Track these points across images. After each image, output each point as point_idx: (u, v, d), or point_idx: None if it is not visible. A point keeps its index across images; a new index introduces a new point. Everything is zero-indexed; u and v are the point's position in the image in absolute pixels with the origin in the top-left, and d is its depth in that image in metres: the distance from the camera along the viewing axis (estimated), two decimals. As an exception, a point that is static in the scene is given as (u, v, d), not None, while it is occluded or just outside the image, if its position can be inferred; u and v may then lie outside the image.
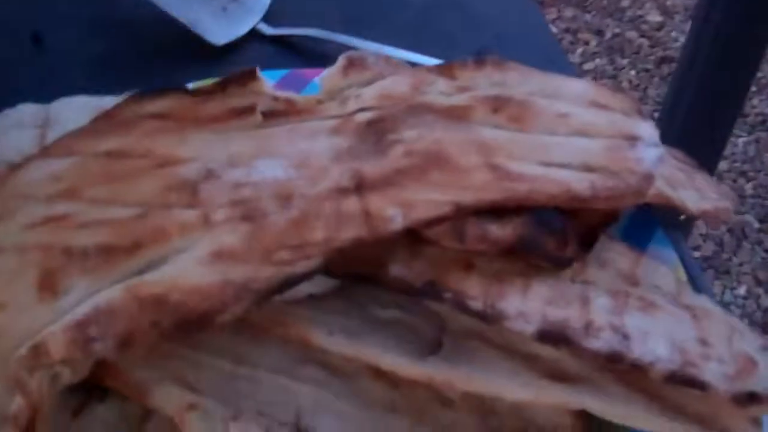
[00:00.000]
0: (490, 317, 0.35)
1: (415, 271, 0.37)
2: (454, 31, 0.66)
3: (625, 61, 2.20)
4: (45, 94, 0.56)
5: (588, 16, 2.34)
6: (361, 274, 0.37)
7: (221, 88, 0.40)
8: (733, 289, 1.65)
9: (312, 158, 0.38)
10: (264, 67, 0.59)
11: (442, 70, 0.43)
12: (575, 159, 0.40)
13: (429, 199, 0.37)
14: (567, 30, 2.27)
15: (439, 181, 0.37)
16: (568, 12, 2.34)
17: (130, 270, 0.34)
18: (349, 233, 0.35)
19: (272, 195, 0.36)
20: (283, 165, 0.37)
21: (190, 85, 0.51)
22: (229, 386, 0.35)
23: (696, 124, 1.05)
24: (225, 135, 0.38)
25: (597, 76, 2.13)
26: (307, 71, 0.54)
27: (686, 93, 1.03)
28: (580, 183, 0.39)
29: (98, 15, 0.63)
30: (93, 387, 0.35)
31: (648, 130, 0.42)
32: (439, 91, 0.42)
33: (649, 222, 0.46)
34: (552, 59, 0.65)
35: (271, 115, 0.39)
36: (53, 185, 0.36)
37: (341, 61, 0.43)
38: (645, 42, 2.25)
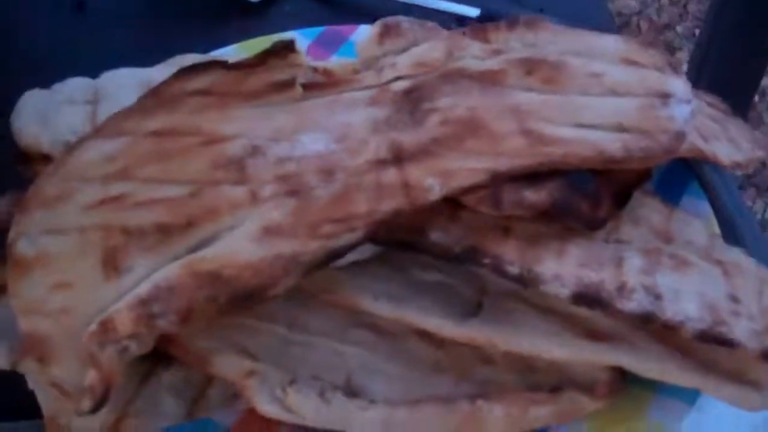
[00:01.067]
0: (527, 281, 0.37)
1: (453, 236, 0.38)
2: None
3: (664, -25, 2.15)
4: (88, 58, 0.58)
5: (626, -71, 2.28)
6: (402, 240, 0.39)
7: (261, 61, 0.41)
8: (776, 206, 1.65)
9: (351, 130, 0.39)
10: (301, 22, 0.60)
11: (475, 33, 0.43)
12: (608, 119, 0.41)
13: (465, 168, 0.38)
14: (604, -56, 2.22)
15: (475, 149, 0.39)
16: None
17: (186, 247, 0.36)
18: (390, 204, 0.37)
19: (315, 169, 0.38)
20: (324, 138, 0.39)
21: (234, 48, 0.53)
22: (283, 352, 0.38)
23: (738, 41, 1.02)
24: (267, 109, 0.40)
25: (637, -9, 2.09)
26: (344, 28, 0.55)
27: (728, 8, 0.99)
28: (612, 144, 0.40)
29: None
30: (158, 355, 0.37)
31: (680, 86, 0.43)
32: (473, 56, 0.43)
33: (684, 173, 0.47)
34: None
35: (310, 87, 0.41)
36: (107, 166, 0.38)
37: (376, 27, 0.44)
38: (686, -46, 2.20)
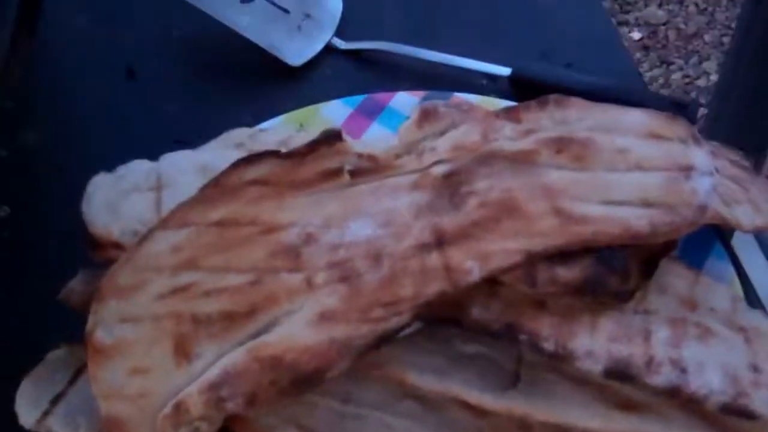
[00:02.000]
0: (562, 357, 0.40)
1: (493, 312, 0.42)
2: (519, 30, 0.69)
3: (691, -17, 2.16)
4: (140, 126, 0.62)
5: (653, -62, 2.29)
6: (445, 317, 0.42)
7: (311, 150, 0.45)
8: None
9: (396, 215, 0.43)
10: (340, 84, 0.64)
11: (508, 115, 0.47)
12: (634, 195, 0.44)
13: (502, 249, 0.41)
14: (633, -45, 2.23)
15: (511, 230, 0.42)
16: (634, -64, 2.29)
17: (249, 333, 0.40)
18: (434, 288, 0.40)
19: (364, 254, 0.41)
20: (371, 224, 0.42)
21: (280, 120, 0.56)
22: (338, 425, 0.41)
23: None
24: (318, 197, 0.43)
25: (663, 1, 2.10)
26: (382, 96, 0.59)
27: (759, 14, 0.97)
28: (639, 221, 0.43)
29: (185, 44, 0.68)
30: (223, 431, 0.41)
31: (702, 158, 0.46)
32: (507, 137, 0.46)
33: (707, 237, 0.50)
34: (610, 51, 0.68)
35: (357, 174, 0.44)
36: (175, 256, 0.42)
37: (416, 113, 0.47)
38: (712, -38, 2.21)
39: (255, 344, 0.39)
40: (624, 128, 0.47)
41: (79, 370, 0.42)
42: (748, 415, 0.38)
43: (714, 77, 1.96)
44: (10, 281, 0.54)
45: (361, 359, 0.40)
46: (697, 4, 2.10)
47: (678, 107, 0.61)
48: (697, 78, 1.93)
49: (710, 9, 2.07)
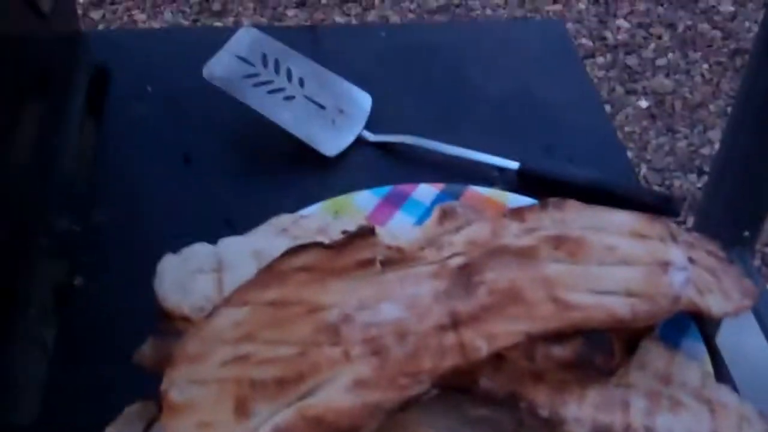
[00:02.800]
0: (555, 422, 0.48)
1: (498, 383, 0.50)
2: (526, 126, 0.78)
3: (697, 55, 2.25)
4: (195, 208, 0.71)
5: (661, 9, 2.39)
6: (458, 386, 0.51)
7: (349, 242, 0.54)
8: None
9: (419, 300, 0.51)
10: (369, 172, 0.73)
11: (514, 215, 0.56)
12: (619, 286, 0.52)
13: (507, 331, 0.50)
14: (640, 25, 2.34)
15: (515, 315, 0.51)
16: (641, 5, 2.40)
17: (297, 395, 0.48)
18: (450, 362, 0.49)
19: (392, 332, 0.50)
20: (398, 307, 0.51)
21: (318, 207, 0.65)
22: (369, 475, 0.49)
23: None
24: (354, 283, 0.52)
25: (670, 71, 2.19)
26: (406, 187, 0.68)
27: (759, 85, 1.02)
28: (622, 309, 0.51)
29: (234, 134, 0.77)
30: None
31: (678, 255, 0.55)
32: (513, 234, 0.55)
33: (684, 320, 0.58)
34: (608, 147, 0.77)
35: (387, 263, 0.53)
36: (236, 330, 0.51)
37: (436, 212, 0.56)
38: (718, 34, 2.30)
39: (302, 405, 0.48)
40: (612, 228, 0.56)
41: (151, 422, 0.51)
42: (707, 474, 0.46)
43: (717, 146, 2.03)
44: (88, 346, 0.63)
45: (388, 420, 0.49)
46: (703, 75, 2.20)
47: (664, 200, 0.70)
48: (702, 146, 2.02)
49: (716, 79, 2.16)
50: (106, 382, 0.59)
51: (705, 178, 1.88)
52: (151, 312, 0.55)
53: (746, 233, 0.89)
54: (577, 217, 0.56)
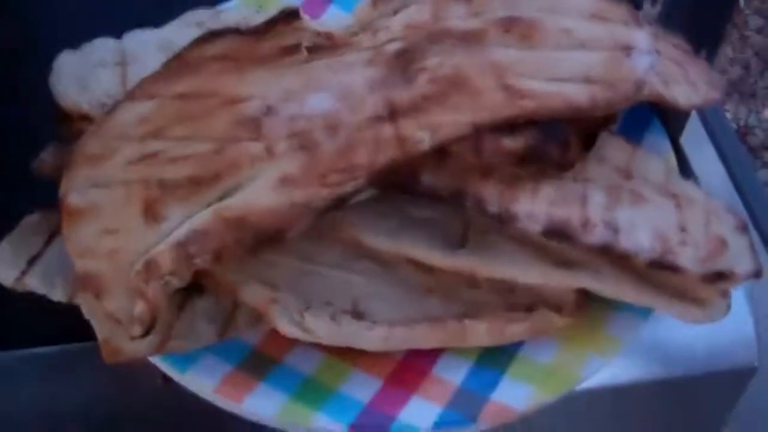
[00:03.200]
0: (504, 219, 0.43)
1: (441, 179, 0.45)
2: None
3: None
4: (102, 5, 0.63)
5: None
6: (398, 183, 0.45)
7: (270, 27, 0.47)
8: (758, 112, 1.70)
9: (352, 89, 0.45)
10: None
11: (459, -5, 0.49)
12: (577, 72, 0.46)
13: (451, 121, 0.44)
14: None
15: (459, 104, 0.45)
16: None
17: (214, 196, 0.42)
18: (387, 156, 0.43)
19: (322, 126, 0.44)
20: (328, 97, 0.45)
21: (237, 1, 0.58)
22: (299, 281, 0.44)
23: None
24: (277, 72, 0.46)
25: None
26: None
27: None
28: (580, 96, 0.46)
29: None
30: (193, 286, 0.44)
31: (642, 38, 0.49)
32: (457, 17, 0.48)
33: (647, 113, 0.53)
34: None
35: (315, 50, 0.46)
36: (142, 126, 0.44)
37: (371, -7, 0.49)
38: None
39: (220, 206, 0.42)
40: (570, 10, 0.49)
41: (53, 234, 0.45)
42: (675, 269, 0.42)
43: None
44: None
45: (319, 221, 0.43)
46: None
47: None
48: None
49: None
50: (4, 198, 0.52)
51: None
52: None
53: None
54: (530, -1, 0.49)
